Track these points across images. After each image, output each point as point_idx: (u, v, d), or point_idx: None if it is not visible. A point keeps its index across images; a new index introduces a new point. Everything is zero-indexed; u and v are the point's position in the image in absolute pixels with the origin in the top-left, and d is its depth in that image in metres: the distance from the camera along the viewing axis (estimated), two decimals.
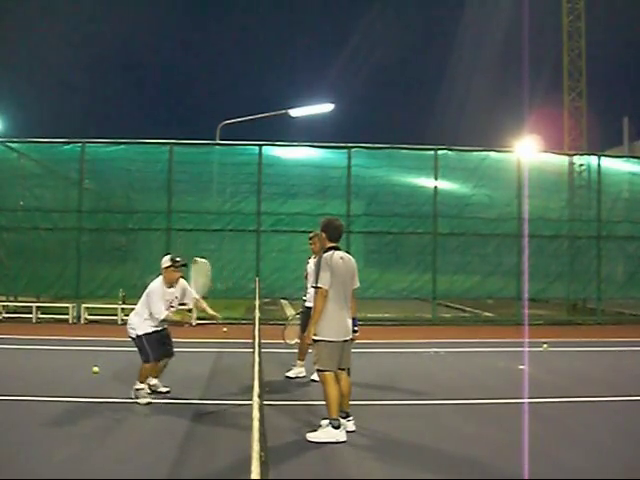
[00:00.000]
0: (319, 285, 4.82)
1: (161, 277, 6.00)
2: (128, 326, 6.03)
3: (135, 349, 5.96)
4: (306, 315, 7.25)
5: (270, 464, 2.71)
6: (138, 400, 5.77)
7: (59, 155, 12.93)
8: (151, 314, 5.85)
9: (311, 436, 4.74)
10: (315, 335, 4.84)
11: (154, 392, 6.00)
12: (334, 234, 5.10)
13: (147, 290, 5.98)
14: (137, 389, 5.83)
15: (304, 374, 7.17)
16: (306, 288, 7.35)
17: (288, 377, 7.18)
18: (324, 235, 5.10)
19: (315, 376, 7.04)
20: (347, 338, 4.94)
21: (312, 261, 7.34)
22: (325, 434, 4.73)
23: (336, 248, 5.05)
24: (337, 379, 4.90)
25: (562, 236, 13.71)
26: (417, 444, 4.61)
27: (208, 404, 5.80)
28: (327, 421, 4.81)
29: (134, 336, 5.92)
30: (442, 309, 14.34)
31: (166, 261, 6.00)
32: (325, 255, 4.95)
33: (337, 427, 4.74)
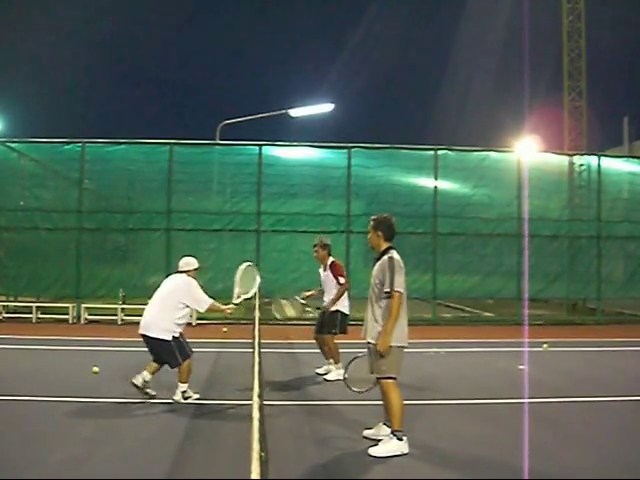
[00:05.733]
0: (397, 289, 4.48)
1: (186, 276, 5.99)
2: (160, 329, 5.66)
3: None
4: (322, 316, 7.17)
5: (270, 464, 2.71)
6: (190, 399, 5.75)
7: (59, 155, 12.94)
8: (191, 309, 5.88)
9: (374, 451, 4.44)
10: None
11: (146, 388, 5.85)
12: (390, 232, 4.77)
13: (181, 287, 5.85)
14: (184, 391, 5.75)
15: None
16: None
17: (326, 380, 6.93)
18: (380, 234, 4.74)
19: (328, 375, 6.97)
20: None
21: (321, 270, 7.25)
22: (390, 447, 4.44)
23: (392, 247, 4.74)
24: None
25: (562, 236, 13.69)
26: (417, 444, 4.60)
27: (208, 404, 5.80)
28: (390, 433, 4.51)
29: (170, 338, 5.67)
30: (442, 309, 14.33)
31: (195, 263, 6.12)
32: (396, 257, 4.62)
33: (401, 439, 4.47)
